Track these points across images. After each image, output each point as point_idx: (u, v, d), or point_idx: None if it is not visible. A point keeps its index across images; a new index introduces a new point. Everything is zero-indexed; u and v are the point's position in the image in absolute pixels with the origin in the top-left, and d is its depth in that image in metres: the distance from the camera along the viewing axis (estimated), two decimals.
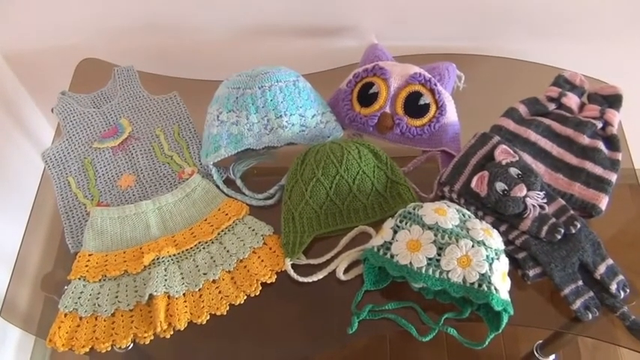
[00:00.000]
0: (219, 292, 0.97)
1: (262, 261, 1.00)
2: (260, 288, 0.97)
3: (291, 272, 0.98)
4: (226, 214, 1.05)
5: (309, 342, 1.00)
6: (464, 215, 0.94)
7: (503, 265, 0.89)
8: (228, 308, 0.95)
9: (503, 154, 1.00)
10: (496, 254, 0.89)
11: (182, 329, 0.93)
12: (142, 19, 1.33)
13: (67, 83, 1.34)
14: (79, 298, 0.96)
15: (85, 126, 1.20)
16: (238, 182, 1.12)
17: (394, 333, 0.97)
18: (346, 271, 0.98)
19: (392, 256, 0.91)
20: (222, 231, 1.03)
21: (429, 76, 1.10)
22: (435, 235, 0.90)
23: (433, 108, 1.09)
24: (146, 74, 1.31)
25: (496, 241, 0.91)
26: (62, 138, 1.18)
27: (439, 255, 0.89)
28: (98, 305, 0.95)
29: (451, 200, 1.03)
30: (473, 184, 0.98)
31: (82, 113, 1.21)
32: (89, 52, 1.38)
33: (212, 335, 0.96)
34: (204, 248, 1.02)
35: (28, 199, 1.16)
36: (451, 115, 1.11)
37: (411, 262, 0.89)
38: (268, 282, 0.98)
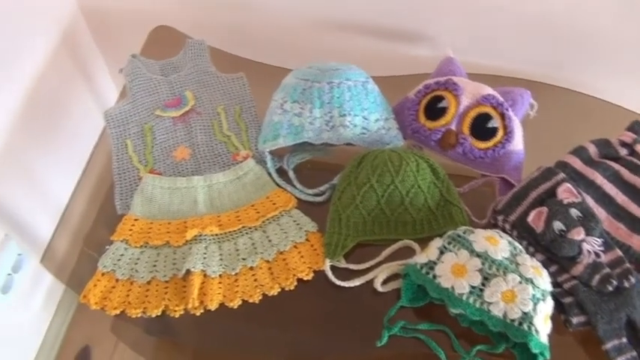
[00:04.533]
0: (255, 279, 0.96)
1: (302, 257, 0.99)
2: (295, 283, 0.96)
3: (329, 273, 0.97)
4: (274, 204, 1.05)
5: (330, 344, 0.98)
6: (515, 249, 0.90)
7: (548, 307, 0.86)
8: (261, 297, 0.95)
9: (566, 192, 0.96)
10: (542, 295, 0.86)
11: (213, 309, 0.93)
12: None
13: (138, 47, 1.35)
14: (118, 260, 0.97)
15: (150, 92, 1.20)
16: (290, 174, 1.11)
17: (420, 354, 0.95)
18: (384, 283, 0.97)
19: (434, 277, 0.89)
20: (268, 220, 1.03)
21: (502, 99, 1.06)
22: (483, 264, 0.87)
23: (500, 133, 1.06)
24: (216, 50, 1.31)
25: (545, 281, 0.88)
26: (126, 100, 1.19)
27: (483, 285, 0.86)
28: (136, 270, 0.96)
29: (504, 230, 0.99)
30: (529, 219, 0.95)
31: (150, 79, 1.22)
32: (165, 19, 1.39)
33: (237, 318, 0.95)
34: (247, 233, 1.01)
35: (83, 154, 1.18)
36: (518, 143, 1.07)
37: (453, 287, 0.87)
38: (305, 279, 0.97)
